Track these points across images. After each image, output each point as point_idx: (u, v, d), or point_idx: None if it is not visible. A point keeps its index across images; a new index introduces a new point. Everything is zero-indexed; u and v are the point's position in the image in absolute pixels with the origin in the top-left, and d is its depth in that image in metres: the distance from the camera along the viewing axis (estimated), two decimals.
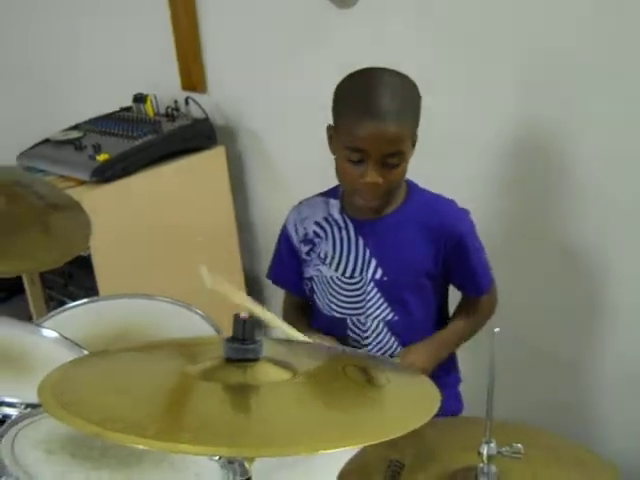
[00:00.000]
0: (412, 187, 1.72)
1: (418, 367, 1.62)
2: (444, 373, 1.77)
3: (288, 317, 1.85)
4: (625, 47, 1.90)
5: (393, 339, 1.75)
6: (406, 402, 1.03)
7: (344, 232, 1.72)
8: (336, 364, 1.14)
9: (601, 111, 1.97)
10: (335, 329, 1.78)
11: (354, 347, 1.77)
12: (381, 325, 1.74)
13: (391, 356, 1.74)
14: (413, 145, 1.62)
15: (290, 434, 0.89)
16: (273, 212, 2.90)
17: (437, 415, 1.73)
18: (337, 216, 1.73)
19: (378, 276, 1.69)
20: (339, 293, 1.75)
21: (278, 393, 0.98)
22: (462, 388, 1.90)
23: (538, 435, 1.38)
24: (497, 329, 1.18)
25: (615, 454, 1.94)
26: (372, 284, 1.70)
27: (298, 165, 2.75)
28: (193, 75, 2.99)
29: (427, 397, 1.05)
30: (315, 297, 1.81)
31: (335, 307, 1.76)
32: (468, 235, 1.69)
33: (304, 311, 1.87)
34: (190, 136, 2.84)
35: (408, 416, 0.98)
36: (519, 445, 1.21)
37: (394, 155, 1.56)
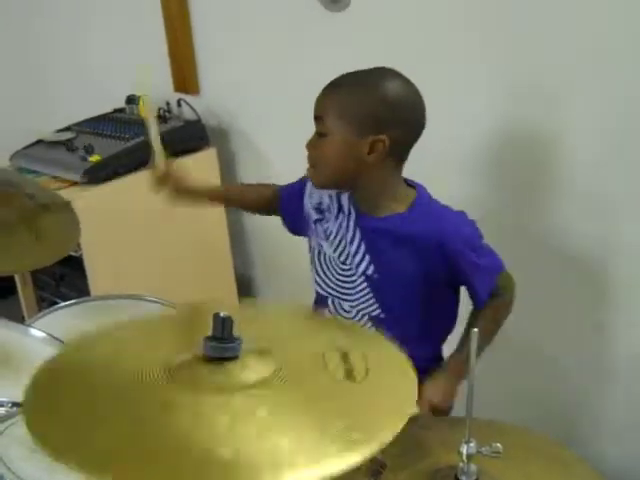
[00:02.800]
0: (420, 195, 1.71)
1: (439, 404, 1.62)
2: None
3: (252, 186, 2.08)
4: (608, 48, 1.91)
5: None
6: (380, 406, 1.02)
7: (346, 219, 1.73)
8: (317, 349, 1.12)
9: (585, 110, 2.00)
10: (317, 305, 1.81)
11: None
12: (365, 319, 1.74)
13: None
14: (372, 146, 1.61)
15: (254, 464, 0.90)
16: None
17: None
18: (344, 201, 1.74)
19: (370, 272, 1.71)
20: (331, 273, 1.76)
21: (247, 413, 0.97)
22: None
23: (520, 434, 1.39)
24: (475, 329, 1.19)
25: (598, 455, 1.97)
26: (362, 278, 1.71)
27: (290, 167, 2.71)
28: (186, 77, 3.00)
29: (403, 397, 1.04)
30: (312, 267, 1.83)
31: (322, 284, 1.79)
32: (463, 251, 1.66)
33: (264, 191, 1.98)
34: (182, 137, 2.85)
35: (380, 428, 0.98)
36: (498, 445, 1.23)
37: (319, 120, 1.64)
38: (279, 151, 2.81)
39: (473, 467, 1.24)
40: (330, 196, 1.76)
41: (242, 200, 2.08)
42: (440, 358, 1.82)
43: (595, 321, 2.17)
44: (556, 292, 2.21)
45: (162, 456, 0.91)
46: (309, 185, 1.82)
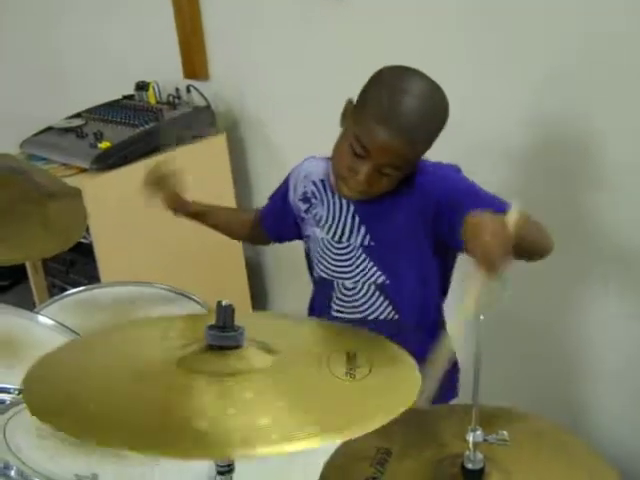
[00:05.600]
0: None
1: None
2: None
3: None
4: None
5: (386, 302, 1.75)
6: (380, 399, 1.03)
7: (336, 197, 1.74)
8: (322, 350, 1.13)
9: (618, 100, 1.98)
10: (323, 289, 1.82)
11: (340, 310, 1.79)
12: (372, 288, 1.74)
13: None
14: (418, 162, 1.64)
15: (256, 436, 0.91)
16: None
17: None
18: (333, 181, 1.74)
19: (367, 242, 1.71)
20: (328, 256, 1.77)
21: (249, 392, 0.99)
22: None
23: (527, 421, 1.38)
24: (482, 316, 1.18)
25: (602, 440, 1.97)
26: (361, 250, 1.72)
27: (299, 152, 2.72)
28: (195, 63, 2.99)
29: (404, 392, 1.04)
30: (310, 256, 1.84)
31: (324, 268, 1.79)
32: (464, 201, 1.56)
33: (249, 222, 1.99)
34: (191, 124, 2.85)
35: (377, 414, 0.98)
36: (505, 432, 1.22)
37: (391, 167, 1.57)
38: (289, 136, 2.80)
39: (479, 455, 1.23)
40: (314, 182, 1.78)
41: (229, 227, 2.05)
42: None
43: (604, 309, 2.16)
44: (571, 281, 2.20)
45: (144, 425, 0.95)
46: (292, 180, 1.84)
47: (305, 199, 1.80)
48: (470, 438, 1.23)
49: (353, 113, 1.62)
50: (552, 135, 2.12)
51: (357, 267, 1.74)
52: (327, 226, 1.76)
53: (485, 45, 2.16)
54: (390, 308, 1.76)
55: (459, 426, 1.25)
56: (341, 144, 1.63)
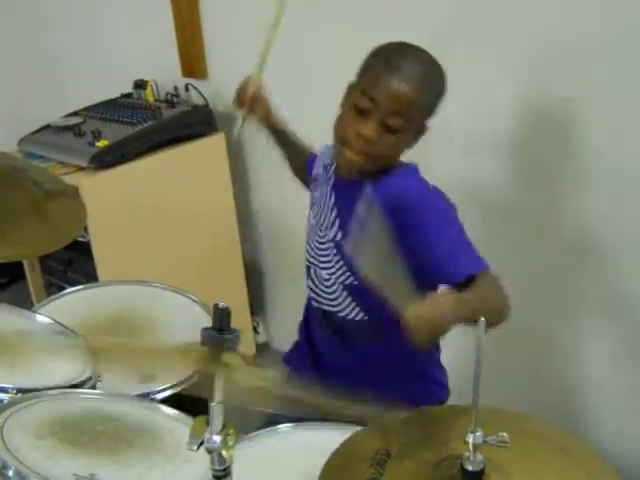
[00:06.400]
0: (402, 167, 1.66)
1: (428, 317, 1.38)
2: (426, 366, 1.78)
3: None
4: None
5: (354, 304, 1.70)
6: None
7: (325, 185, 1.72)
8: None
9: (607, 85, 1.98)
10: (307, 276, 1.79)
11: (316, 300, 1.76)
12: (340, 288, 1.69)
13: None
14: (418, 133, 1.61)
15: None
16: (273, 199, 2.92)
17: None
18: (330, 168, 1.73)
19: (338, 238, 1.67)
20: (313, 241, 1.75)
21: None
22: (449, 375, 1.87)
23: (525, 422, 1.37)
24: (483, 318, 1.17)
25: (602, 441, 1.97)
26: (332, 244, 1.69)
27: None
28: (194, 61, 2.99)
29: None
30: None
31: (306, 254, 1.77)
32: (421, 210, 1.55)
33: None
34: (190, 122, 2.85)
35: None
36: (505, 434, 1.21)
37: (398, 116, 1.54)
38: None
39: (479, 456, 1.23)
40: (323, 166, 1.76)
41: (293, 161, 2.00)
42: None
43: (602, 310, 2.16)
44: (563, 278, 2.20)
45: None
46: (317, 159, 1.81)
47: (313, 179, 1.79)
48: (470, 439, 1.22)
49: (357, 80, 1.62)
50: (546, 127, 2.13)
51: (329, 261, 1.70)
52: (315, 211, 1.74)
53: (479, 40, 2.15)
54: (358, 308, 1.70)
55: (459, 427, 1.25)
56: (343, 110, 1.62)
